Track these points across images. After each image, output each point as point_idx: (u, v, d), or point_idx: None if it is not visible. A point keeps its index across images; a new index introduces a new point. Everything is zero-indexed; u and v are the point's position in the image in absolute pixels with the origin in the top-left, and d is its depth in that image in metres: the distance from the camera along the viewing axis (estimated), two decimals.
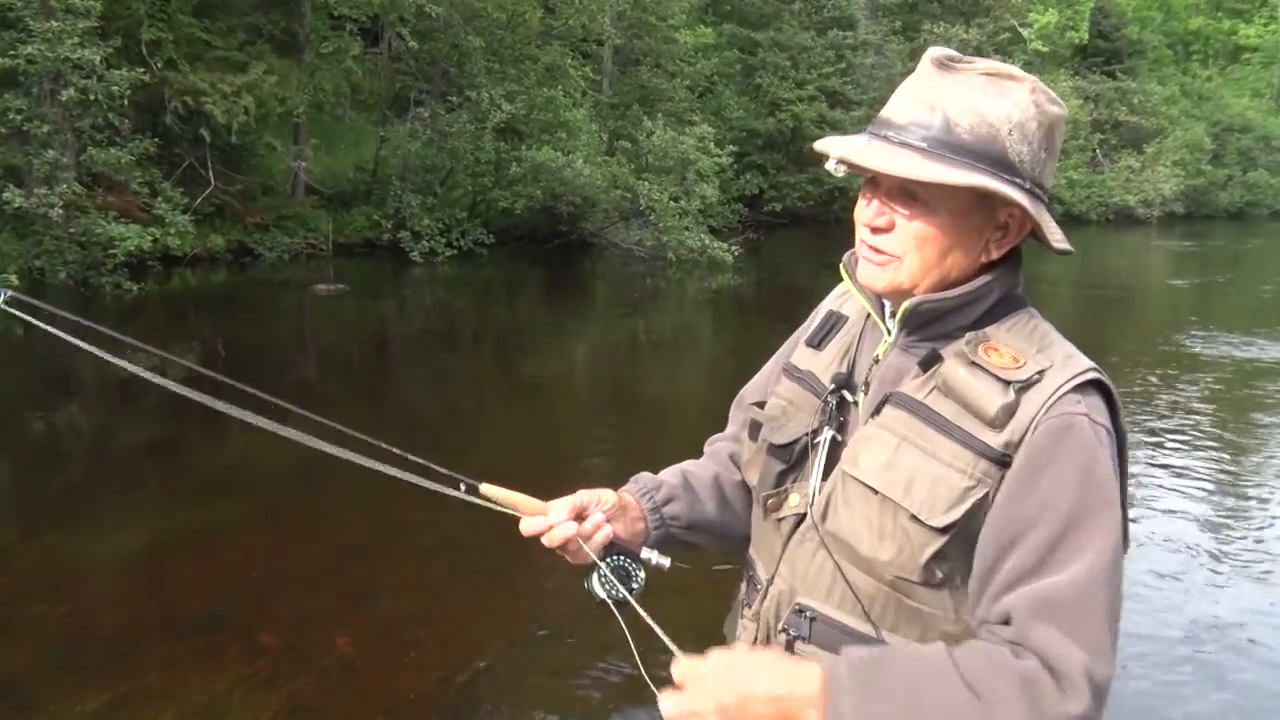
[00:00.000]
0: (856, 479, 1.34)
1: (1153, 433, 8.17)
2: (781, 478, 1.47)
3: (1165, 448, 7.73)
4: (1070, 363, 1.30)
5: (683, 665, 1.27)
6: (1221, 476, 7.06)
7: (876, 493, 1.31)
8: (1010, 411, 1.25)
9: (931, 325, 1.36)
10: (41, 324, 1.73)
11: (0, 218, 12.82)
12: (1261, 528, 6.10)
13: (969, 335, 1.33)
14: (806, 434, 1.44)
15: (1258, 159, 47.07)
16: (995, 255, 1.35)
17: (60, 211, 12.65)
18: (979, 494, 1.26)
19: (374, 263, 17.77)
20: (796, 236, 25.93)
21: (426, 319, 14.49)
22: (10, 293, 1.72)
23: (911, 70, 1.40)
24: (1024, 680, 1.18)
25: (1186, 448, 7.75)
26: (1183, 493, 6.67)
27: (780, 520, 1.46)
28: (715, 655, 1.27)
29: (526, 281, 18.20)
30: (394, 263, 17.56)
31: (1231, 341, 12.77)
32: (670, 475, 1.66)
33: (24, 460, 6.97)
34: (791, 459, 1.46)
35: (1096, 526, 1.22)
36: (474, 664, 4.21)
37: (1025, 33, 38.07)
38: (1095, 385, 1.29)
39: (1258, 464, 7.45)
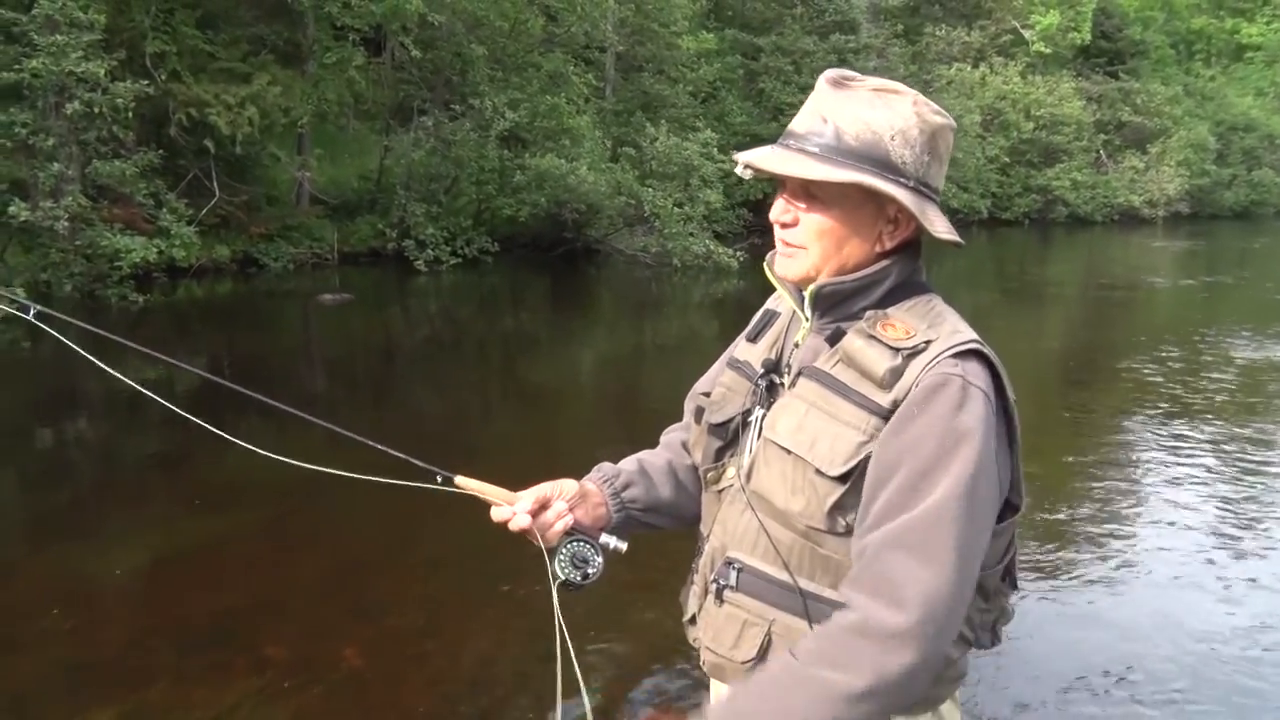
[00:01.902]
0: (774, 442, 1.52)
1: (1164, 430, 8.15)
2: (720, 454, 1.67)
3: (1177, 446, 7.70)
4: (955, 335, 1.46)
5: None
6: (1234, 474, 7.02)
7: (790, 452, 1.49)
8: (897, 374, 1.43)
9: (837, 307, 1.55)
10: (69, 341, 1.86)
11: (6, 231, 12.86)
12: (1273, 526, 6.07)
13: (869, 314, 1.51)
14: (739, 414, 1.64)
15: (1262, 158, 46.99)
16: (889, 245, 1.53)
17: (66, 224, 12.69)
18: (871, 448, 1.43)
19: (379, 272, 17.79)
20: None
21: (431, 327, 14.50)
22: (38, 308, 1.83)
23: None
24: (852, 628, 1.36)
25: (1198, 445, 7.72)
26: (1195, 491, 6.64)
27: (720, 492, 1.66)
28: None
29: (531, 289, 18.20)
30: (399, 272, 17.58)
31: (1240, 340, 12.73)
32: (628, 463, 1.84)
33: (30, 474, 6.97)
34: (728, 436, 1.65)
35: (952, 468, 1.37)
36: (482, 677, 4.20)
37: (1027, 34, 38.11)
38: (976, 354, 1.45)
39: (1271, 461, 7.41)
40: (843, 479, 1.44)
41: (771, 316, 1.74)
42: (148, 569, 5.35)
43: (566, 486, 1.72)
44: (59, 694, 3.99)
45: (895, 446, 1.40)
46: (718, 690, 1.77)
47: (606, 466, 1.83)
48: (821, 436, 1.46)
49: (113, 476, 7.00)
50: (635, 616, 4.48)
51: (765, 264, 1.65)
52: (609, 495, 1.77)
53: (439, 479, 1.65)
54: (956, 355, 1.43)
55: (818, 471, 1.45)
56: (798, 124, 1.54)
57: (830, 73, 1.55)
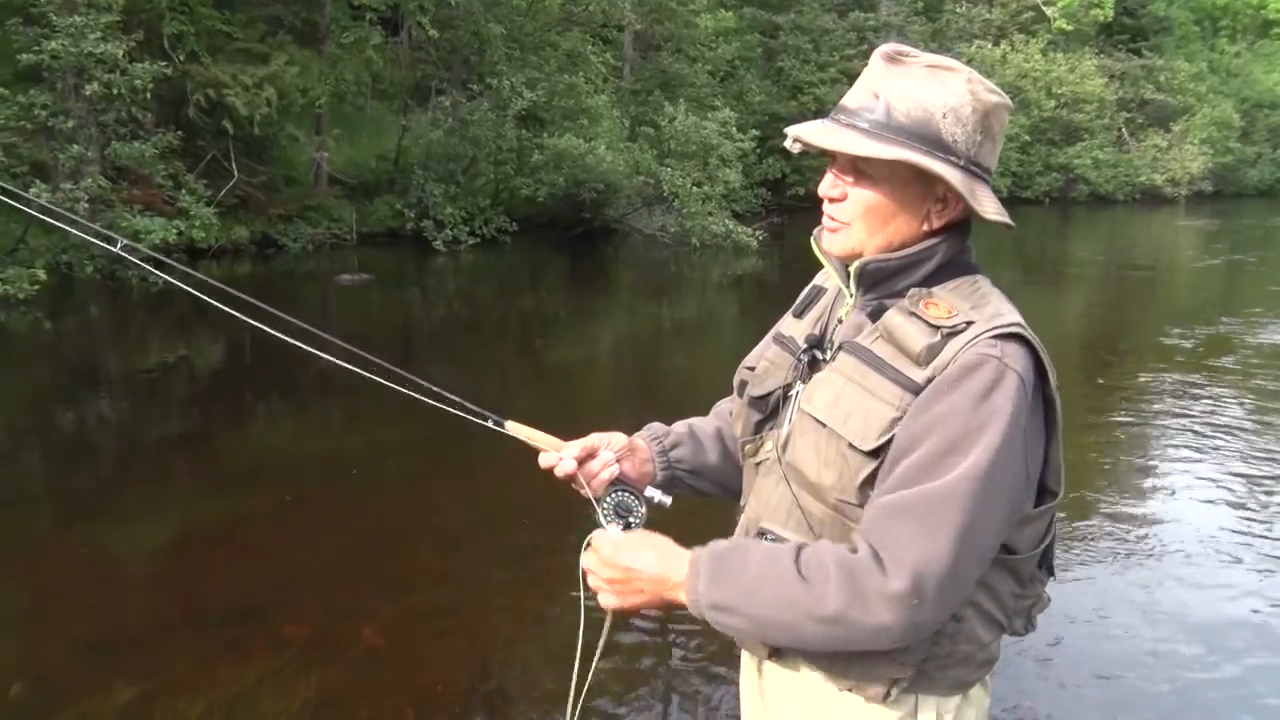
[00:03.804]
0: (809, 414, 1.53)
1: (1188, 410, 8.09)
2: (759, 426, 1.68)
3: (1201, 426, 7.64)
4: (997, 317, 1.44)
5: (596, 534, 1.58)
6: (1256, 457, 6.97)
7: (824, 425, 1.49)
8: (934, 351, 1.42)
9: (882, 284, 1.54)
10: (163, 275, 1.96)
11: (27, 213, 12.91)
12: None
13: (913, 291, 1.50)
14: (780, 388, 1.65)
15: None
16: (937, 224, 1.52)
17: (86, 206, 12.72)
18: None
19: (397, 252, 17.81)
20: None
21: (450, 307, 14.52)
22: (125, 241, 1.92)
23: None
24: (846, 562, 1.38)
25: (1222, 424, 7.65)
26: (1215, 477, 6.59)
27: (758, 465, 1.68)
28: (619, 534, 1.58)
29: (550, 269, 18.20)
30: (417, 252, 17.60)
31: (1262, 322, 12.61)
32: (678, 425, 1.88)
33: (54, 453, 7.03)
34: (768, 410, 1.67)
35: (974, 449, 1.35)
36: (502, 655, 4.21)
37: (1049, 11, 37.67)
38: (1017, 337, 1.42)
39: None
40: (874, 454, 1.43)
41: (818, 292, 1.75)
42: (170, 547, 5.39)
43: (615, 439, 1.77)
44: (82, 670, 4.02)
45: (923, 420, 1.39)
46: (747, 661, 1.78)
47: (656, 426, 1.87)
48: (856, 411, 1.46)
49: (135, 454, 7.04)
50: None
51: (813, 239, 1.65)
52: (657, 453, 1.81)
53: (491, 421, 1.73)
54: (997, 337, 1.41)
55: (850, 445, 1.45)
56: (850, 99, 1.52)
57: (885, 47, 1.52)
